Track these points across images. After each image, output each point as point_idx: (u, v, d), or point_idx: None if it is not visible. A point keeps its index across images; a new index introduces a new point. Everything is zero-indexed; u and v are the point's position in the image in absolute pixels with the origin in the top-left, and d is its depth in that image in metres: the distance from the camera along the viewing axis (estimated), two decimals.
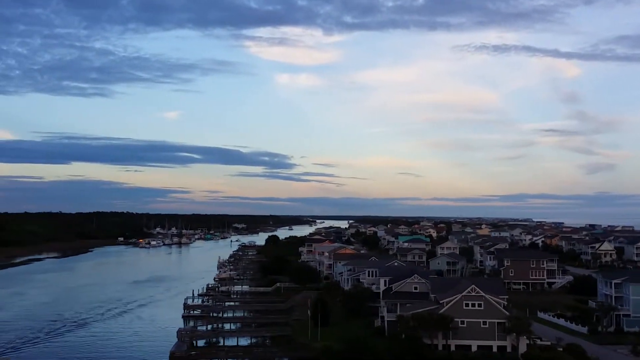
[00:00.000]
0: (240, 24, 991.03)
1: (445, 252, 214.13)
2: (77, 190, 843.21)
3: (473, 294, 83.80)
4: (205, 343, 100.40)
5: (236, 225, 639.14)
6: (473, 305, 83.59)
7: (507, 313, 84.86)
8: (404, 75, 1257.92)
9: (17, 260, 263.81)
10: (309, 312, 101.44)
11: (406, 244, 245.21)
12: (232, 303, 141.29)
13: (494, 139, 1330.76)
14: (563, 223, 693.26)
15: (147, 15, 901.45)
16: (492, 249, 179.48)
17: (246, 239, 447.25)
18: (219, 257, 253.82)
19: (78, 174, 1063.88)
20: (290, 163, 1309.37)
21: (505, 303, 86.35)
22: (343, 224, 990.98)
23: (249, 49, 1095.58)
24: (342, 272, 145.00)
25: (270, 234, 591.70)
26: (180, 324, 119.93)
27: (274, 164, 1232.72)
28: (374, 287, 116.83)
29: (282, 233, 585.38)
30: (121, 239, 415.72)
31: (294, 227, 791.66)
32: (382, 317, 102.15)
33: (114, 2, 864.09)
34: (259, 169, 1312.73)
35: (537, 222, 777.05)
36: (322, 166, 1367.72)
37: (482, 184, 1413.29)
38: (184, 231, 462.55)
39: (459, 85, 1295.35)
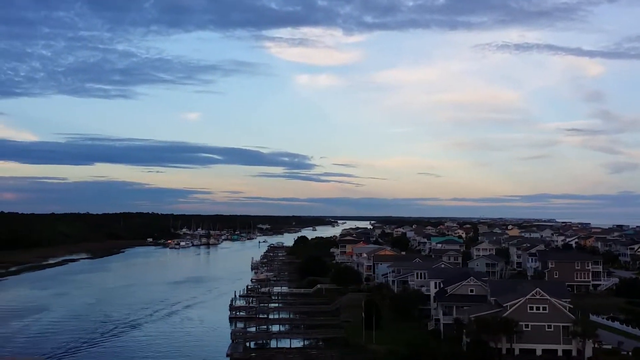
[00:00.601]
0: (260, 25, 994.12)
1: (481, 254, 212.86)
2: (101, 191, 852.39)
3: (537, 297, 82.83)
4: (255, 345, 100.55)
5: (260, 226, 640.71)
6: (537, 308, 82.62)
7: (572, 316, 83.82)
8: (425, 75, 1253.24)
9: (53, 261, 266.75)
10: (363, 314, 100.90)
11: (439, 245, 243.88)
12: (275, 304, 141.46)
13: (516, 139, 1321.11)
14: (589, 224, 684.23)
15: (169, 17, 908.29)
16: (533, 251, 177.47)
17: (273, 240, 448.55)
18: (252, 258, 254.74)
19: (101, 174, 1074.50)
20: (310, 163, 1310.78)
21: (571, 306, 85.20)
22: (364, 225, 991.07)
23: (269, 50, 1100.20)
24: (386, 274, 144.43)
25: (294, 234, 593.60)
26: (227, 325, 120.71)
27: (294, 164, 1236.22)
28: (423, 289, 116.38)
29: (307, 234, 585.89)
30: (150, 239, 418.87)
31: (317, 227, 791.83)
32: (437, 320, 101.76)
33: (137, 5, 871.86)
34: (279, 170, 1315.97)
35: (562, 222, 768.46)
36: (341, 166, 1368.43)
37: (503, 184, 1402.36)
38: (211, 232, 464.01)
39: (480, 84, 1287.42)
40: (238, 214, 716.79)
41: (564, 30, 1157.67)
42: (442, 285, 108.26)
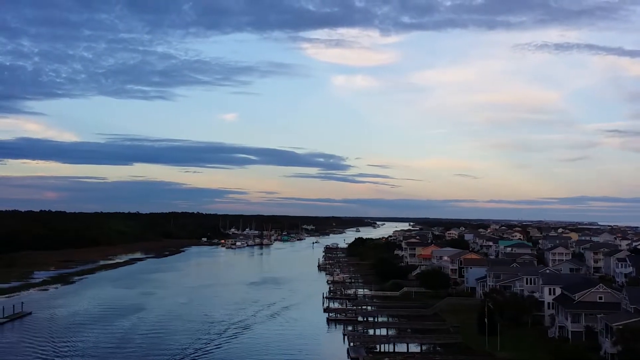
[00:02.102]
0: (298, 26, 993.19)
1: (556, 258, 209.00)
2: (139, 191, 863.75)
3: None
4: (366, 348, 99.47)
5: (305, 226, 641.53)
6: None
7: None
8: (462, 75, 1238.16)
9: (121, 260, 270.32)
10: (486, 320, 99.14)
11: (508, 249, 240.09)
12: (368, 307, 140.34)
13: (555, 140, 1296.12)
14: (638, 227, 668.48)
15: (207, 19, 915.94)
16: (621, 256, 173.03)
17: (325, 241, 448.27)
18: (319, 260, 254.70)
19: (140, 174, 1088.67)
20: (345, 164, 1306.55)
21: None
22: (403, 226, 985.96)
23: (305, 51, 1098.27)
24: (480, 278, 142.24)
25: (339, 235, 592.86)
26: (324, 326, 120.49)
27: (329, 165, 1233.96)
28: (535, 295, 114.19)
29: (351, 235, 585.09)
30: (204, 239, 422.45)
31: (360, 228, 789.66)
32: (560, 327, 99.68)
33: (176, 7, 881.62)
34: (314, 170, 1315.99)
35: (608, 226, 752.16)
36: (377, 167, 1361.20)
37: (541, 186, 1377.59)
38: (264, 232, 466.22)
39: (519, 84, 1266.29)
40: (273, 214, 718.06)
41: (605, 29, 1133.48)
42: (559, 292, 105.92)
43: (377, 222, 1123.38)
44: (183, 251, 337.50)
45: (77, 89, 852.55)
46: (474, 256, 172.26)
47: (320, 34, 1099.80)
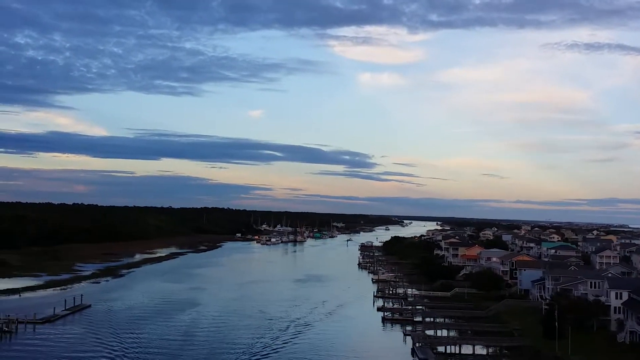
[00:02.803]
0: (325, 23, 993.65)
1: (604, 261, 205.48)
2: (166, 185, 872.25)
3: None
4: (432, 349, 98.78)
5: (335, 224, 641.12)
6: None
7: None
8: (490, 74, 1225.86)
9: (163, 254, 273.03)
10: (556, 323, 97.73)
11: (552, 251, 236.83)
12: (421, 307, 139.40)
13: (584, 140, 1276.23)
14: None
15: (235, 16, 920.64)
16: None
17: (356, 239, 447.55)
18: (358, 258, 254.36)
19: (167, 169, 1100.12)
20: (370, 162, 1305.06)
21: None
22: (431, 225, 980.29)
23: (332, 48, 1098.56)
24: (539, 280, 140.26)
25: (370, 233, 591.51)
26: (379, 325, 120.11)
27: (355, 163, 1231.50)
28: (601, 299, 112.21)
29: (381, 233, 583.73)
30: (238, 235, 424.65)
31: (390, 227, 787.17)
32: (631, 332, 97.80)
33: (205, 4, 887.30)
34: (339, 168, 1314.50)
35: (636, 228, 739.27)
36: (402, 166, 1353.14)
37: (569, 186, 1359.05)
38: (298, 229, 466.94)
39: (548, 84, 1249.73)
40: (298, 211, 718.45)
41: (636, 29, 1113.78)
42: (626, 296, 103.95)
43: (404, 221, 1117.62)
44: (220, 246, 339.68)
45: (106, 84, 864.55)
46: (526, 258, 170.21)
47: (348, 31, 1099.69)
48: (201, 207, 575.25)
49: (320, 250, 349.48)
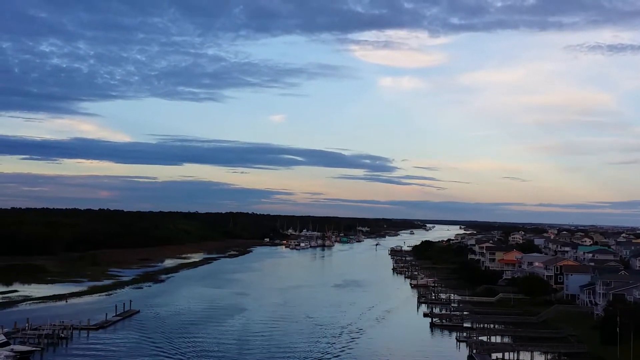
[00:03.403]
0: (346, 28, 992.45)
1: None
2: (189, 191, 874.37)
3: None
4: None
5: (360, 228, 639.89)
6: None
7: None
8: (512, 76, 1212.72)
9: (198, 259, 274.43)
10: (618, 330, 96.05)
11: (589, 255, 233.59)
12: (464, 312, 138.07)
13: (607, 143, 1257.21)
14: None
15: (257, 22, 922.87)
16: None
17: (385, 243, 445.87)
18: (392, 263, 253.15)
19: (189, 174, 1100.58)
20: (391, 166, 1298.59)
21: None
22: (455, 229, 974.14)
23: (353, 53, 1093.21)
24: (588, 285, 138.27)
25: (395, 237, 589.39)
26: (428, 331, 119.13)
27: (375, 167, 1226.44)
28: None
29: (407, 237, 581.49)
30: (267, 239, 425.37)
31: (414, 231, 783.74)
32: None
33: (227, 11, 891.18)
34: (360, 172, 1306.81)
35: None
36: (423, 169, 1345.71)
37: (592, 189, 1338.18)
38: (326, 234, 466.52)
39: (571, 86, 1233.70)
40: (318, 215, 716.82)
41: None
42: None
43: (427, 225, 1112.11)
44: (250, 251, 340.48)
45: (130, 91, 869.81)
46: (571, 262, 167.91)
47: (369, 35, 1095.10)
48: (226, 212, 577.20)
49: (350, 255, 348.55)
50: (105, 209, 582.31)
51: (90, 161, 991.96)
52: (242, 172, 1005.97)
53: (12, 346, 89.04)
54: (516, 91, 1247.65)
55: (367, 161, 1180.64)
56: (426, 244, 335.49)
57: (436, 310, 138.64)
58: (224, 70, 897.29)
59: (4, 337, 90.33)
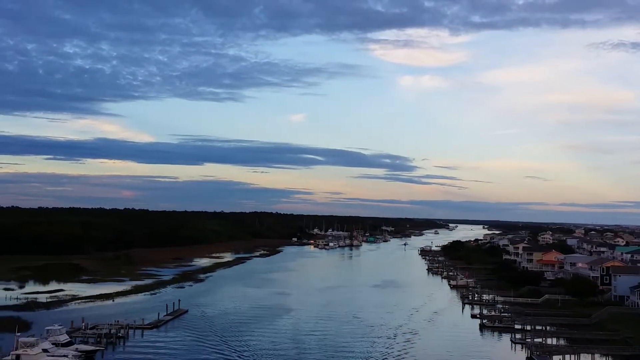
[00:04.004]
0: (366, 27, 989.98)
1: None
2: (210, 190, 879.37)
3: None
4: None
5: (384, 227, 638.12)
6: None
7: None
8: (534, 75, 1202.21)
9: (231, 259, 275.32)
10: None
11: (628, 256, 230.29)
12: (515, 314, 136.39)
13: (631, 141, 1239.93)
14: None
15: (277, 22, 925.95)
16: None
17: (412, 243, 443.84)
18: (427, 263, 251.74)
19: (210, 174, 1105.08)
20: (411, 165, 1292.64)
21: None
22: (478, 229, 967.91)
23: (373, 52, 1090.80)
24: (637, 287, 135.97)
25: (419, 237, 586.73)
26: (478, 332, 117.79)
27: (395, 166, 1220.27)
28: None
29: (432, 237, 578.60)
30: (294, 239, 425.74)
31: (439, 230, 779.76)
32: None
33: (247, 11, 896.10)
34: (380, 171, 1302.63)
35: None
36: (444, 169, 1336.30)
37: (616, 189, 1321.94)
38: (354, 233, 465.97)
39: (593, 84, 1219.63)
40: (338, 214, 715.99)
41: None
42: None
43: (450, 224, 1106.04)
44: (280, 251, 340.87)
45: (152, 91, 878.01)
46: (617, 263, 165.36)
47: (389, 34, 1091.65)
48: (251, 212, 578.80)
49: (379, 255, 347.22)
50: (131, 208, 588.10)
51: (113, 161, 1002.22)
52: (262, 172, 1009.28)
53: (76, 345, 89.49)
54: (538, 90, 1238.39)
55: (387, 160, 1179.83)
56: (457, 244, 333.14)
57: (477, 311, 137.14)
58: (244, 70, 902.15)
59: (67, 337, 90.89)
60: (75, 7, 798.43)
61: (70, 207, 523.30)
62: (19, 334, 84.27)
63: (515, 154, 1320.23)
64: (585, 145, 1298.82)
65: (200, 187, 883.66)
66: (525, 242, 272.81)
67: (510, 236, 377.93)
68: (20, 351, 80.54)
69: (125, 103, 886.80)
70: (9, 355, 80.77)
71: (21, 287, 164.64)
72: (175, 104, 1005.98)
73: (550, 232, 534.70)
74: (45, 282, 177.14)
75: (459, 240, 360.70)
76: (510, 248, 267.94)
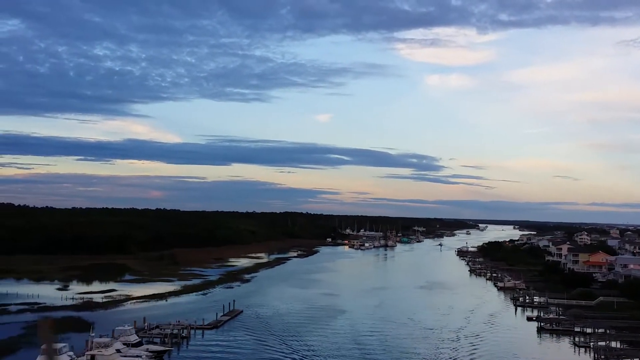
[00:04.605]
0: (393, 27, 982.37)
1: None
2: (236, 190, 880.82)
3: None
4: None
5: (416, 228, 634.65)
6: None
7: None
8: (562, 73, 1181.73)
9: (271, 259, 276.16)
10: None
11: None
12: (574, 316, 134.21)
13: None
14: None
15: (304, 22, 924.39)
16: None
17: (446, 243, 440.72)
18: (469, 264, 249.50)
19: (237, 174, 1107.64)
20: (438, 165, 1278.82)
21: None
22: (508, 229, 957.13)
23: (400, 52, 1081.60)
24: None
25: (452, 238, 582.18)
26: (535, 335, 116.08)
27: (422, 166, 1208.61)
28: None
29: (465, 238, 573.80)
30: (329, 239, 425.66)
31: (470, 231, 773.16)
32: None
33: (274, 12, 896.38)
34: (406, 171, 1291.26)
35: None
36: (471, 168, 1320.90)
37: None
38: (389, 234, 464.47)
39: (623, 82, 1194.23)
40: (364, 214, 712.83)
41: None
42: None
43: (480, 225, 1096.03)
44: (317, 251, 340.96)
45: (180, 92, 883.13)
46: None
47: (415, 33, 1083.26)
48: (282, 212, 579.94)
49: (416, 256, 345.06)
50: (162, 208, 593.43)
51: (142, 161, 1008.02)
52: (288, 172, 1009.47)
53: (146, 346, 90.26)
54: (567, 88, 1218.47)
55: (414, 160, 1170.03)
56: (496, 244, 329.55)
57: (533, 314, 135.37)
58: (271, 71, 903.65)
59: (136, 337, 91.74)
60: (105, 9, 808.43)
61: (103, 208, 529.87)
62: (93, 334, 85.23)
63: (544, 153, 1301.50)
64: (615, 144, 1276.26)
65: (228, 187, 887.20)
66: (568, 243, 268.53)
67: (548, 237, 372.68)
68: (95, 351, 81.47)
69: (154, 104, 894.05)
70: (83, 356, 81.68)
71: (71, 287, 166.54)
72: (203, 104, 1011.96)
73: (586, 233, 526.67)
74: (94, 282, 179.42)
75: (497, 241, 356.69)
76: (553, 249, 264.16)
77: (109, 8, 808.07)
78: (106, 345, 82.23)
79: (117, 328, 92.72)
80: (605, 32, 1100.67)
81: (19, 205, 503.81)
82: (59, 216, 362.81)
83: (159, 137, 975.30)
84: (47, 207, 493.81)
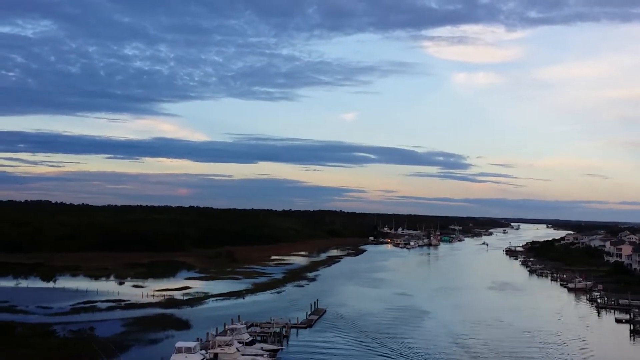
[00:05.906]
0: (419, 25, 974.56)
1: None
2: (263, 188, 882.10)
3: None
4: None
5: (452, 227, 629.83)
6: None
7: None
8: (592, 70, 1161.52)
9: (323, 258, 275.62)
10: None
11: None
12: None
13: None
14: None
15: (330, 21, 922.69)
16: None
17: (489, 242, 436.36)
18: (529, 265, 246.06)
19: (264, 172, 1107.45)
20: (465, 163, 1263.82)
21: None
22: (541, 227, 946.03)
23: (427, 49, 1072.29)
24: None
25: (489, 237, 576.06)
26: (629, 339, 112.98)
27: (449, 164, 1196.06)
28: None
29: (502, 237, 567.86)
30: (371, 238, 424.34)
31: (506, 230, 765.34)
32: None
33: (301, 11, 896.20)
34: (433, 169, 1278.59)
35: None
36: (499, 166, 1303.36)
37: None
38: (432, 233, 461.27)
39: None
40: (391, 212, 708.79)
41: None
42: None
43: (512, 223, 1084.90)
44: (365, 250, 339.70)
45: (207, 91, 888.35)
46: None
47: (442, 31, 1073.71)
48: (318, 210, 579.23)
49: (464, 255, 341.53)
50: (196, 206, 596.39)
51: (170, 160, 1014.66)
52: (315, 170, 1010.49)
53: (260, 344, 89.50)
54: (596, 85, 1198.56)
55: (441, 158, 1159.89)
56: (548, 244, 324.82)
57: (622, 316, 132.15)
58: (297, 69, 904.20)
59: (249, 336, 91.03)
60: (134, 10, 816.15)
61: (137, 205, 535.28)
62: (214, 332, 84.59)
63: (573, 151, 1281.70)
64: None
65: (254, 185, 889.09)
66: (626, 242, 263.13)
67: (599, 236, 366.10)
68: (218, 349, 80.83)
69: (182, 103, 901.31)
70: (207, 353, 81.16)
71: (145, 284, 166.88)
72: (230, 103, 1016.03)
73: (628, 232, 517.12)
74: (162, 278, 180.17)
75: (548, 240, 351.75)
76: (612, 249, 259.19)
77: (137, 9, 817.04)
78: (228, 344, 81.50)
79: (230, 326, 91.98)
80: (636, 29, 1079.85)
81: (55, 202, 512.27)
82: (106, 213, 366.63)
83: (186, 136, 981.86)
84: (82, 204, 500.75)
